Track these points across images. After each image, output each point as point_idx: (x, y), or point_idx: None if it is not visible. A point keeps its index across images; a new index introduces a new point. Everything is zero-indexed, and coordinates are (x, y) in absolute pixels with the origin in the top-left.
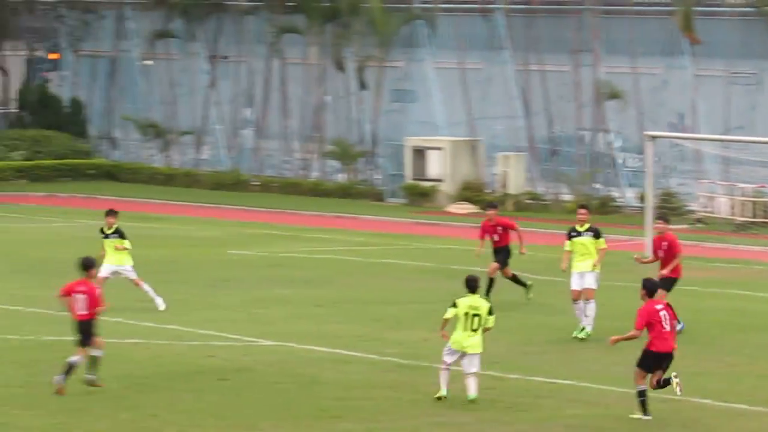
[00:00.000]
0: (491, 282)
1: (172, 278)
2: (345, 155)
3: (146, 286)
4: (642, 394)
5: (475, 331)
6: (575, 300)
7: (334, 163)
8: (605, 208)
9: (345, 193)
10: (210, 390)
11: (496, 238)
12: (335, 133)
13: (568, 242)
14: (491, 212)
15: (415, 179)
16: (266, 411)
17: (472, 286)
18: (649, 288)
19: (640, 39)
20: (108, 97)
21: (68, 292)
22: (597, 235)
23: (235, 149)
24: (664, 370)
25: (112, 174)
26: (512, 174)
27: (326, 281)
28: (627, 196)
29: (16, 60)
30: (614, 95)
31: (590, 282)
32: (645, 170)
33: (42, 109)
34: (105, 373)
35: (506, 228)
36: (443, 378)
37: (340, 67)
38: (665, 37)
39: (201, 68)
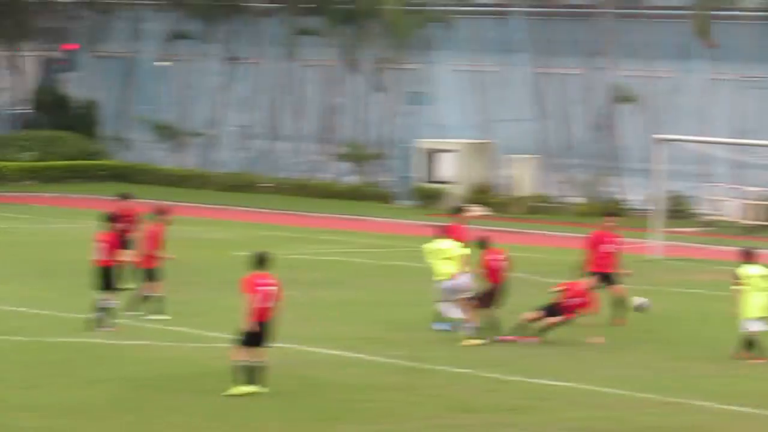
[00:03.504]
0: None
1: (179, 279)
2: (358, 157)
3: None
4: None
5: None
6: None
7: (347, 165)
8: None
9: (357, 194)
10: (215, 392)
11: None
12: (349, 135)
13: None
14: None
15: (426, 181)
16: (269, 413)
17: None
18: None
19: (655, 42)
20: (122, 97)
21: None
22: None
23: (247, 151)
24: None
25: (124, 175)
26: (524, 176)
27: (334, 283)
28: (633, 198)
29: (31, 60)
30: (628, 98)
31: None
32: (654, 173)
33: (56, 110)
34: (110, 375)
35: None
36: None
37: (355, 69)
38: (680, 40)
39: (215, 70)
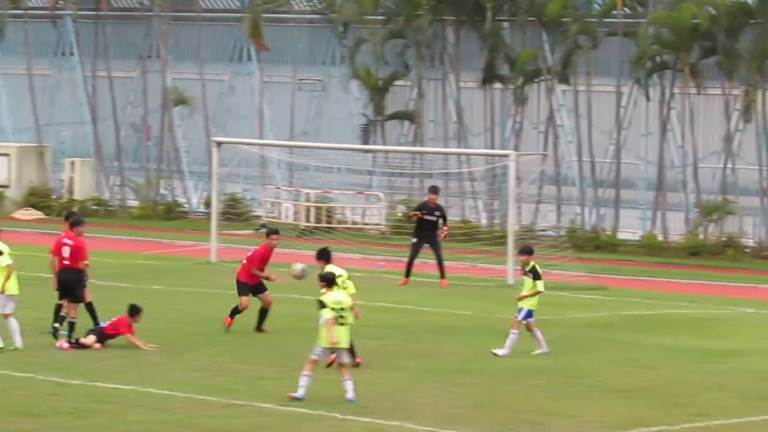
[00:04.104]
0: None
1: None
2: None
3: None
4: None
5: None
6: None
7: None
8: (171, 213)
9: None
10: None
11: None
12: None
13: None
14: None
15: None
16: None
17: None
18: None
19: (208, 45)
20: None
21: None
22: None
23: None
24: None
25: None
26: (79, 180)
27: None
28: (193, 201)
29: None
30: (182, 101)
31: None
32: (211, 175)
33: None
34: None
35: None
36: None
37: None
38: (233, 43)
39: None
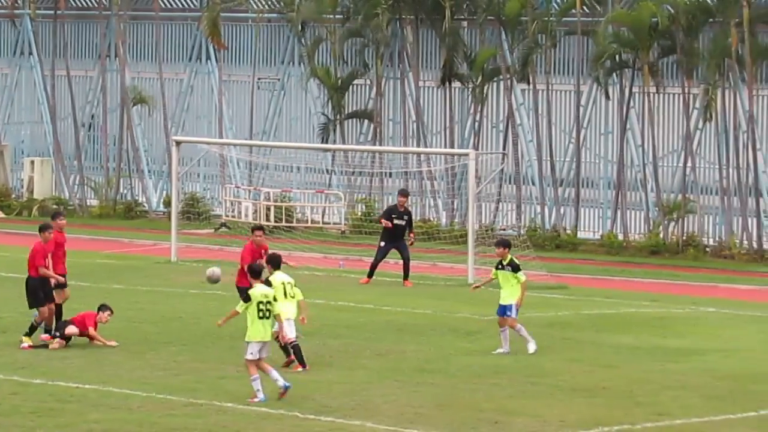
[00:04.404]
0: None
1: None
2: None
3: None
4: None
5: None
6: None
7: None
8: (131, 213)
9: None
10: None
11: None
12: None
13: None
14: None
15: None
16: None
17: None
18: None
19: (167, 44)
20: None
21: None
22: None
23: None
24: None
25: None
26: (38, 179)
27: None
28: (153, 200)
29: None
30: (141, 100)
31: None
32: (171, 175)
33: None
34: None
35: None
36: None
37: None
38: (191, 42)
39: None
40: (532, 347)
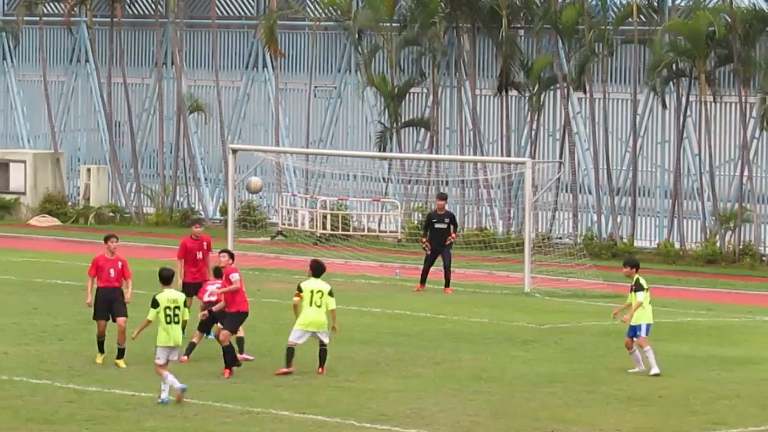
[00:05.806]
0: None
1: None
2: None
3: None
4: None
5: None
6: None
7: None
8: (187, 220)
9: None
10: None
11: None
12: None
13: None
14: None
15: None
16: None
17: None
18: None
19: (223, 52)
20: None
21: None
22: None
23: None
24: None
25: None
26: (94, 187)
27: None
28: (209, 208)
29: None
30: (197, 108)
31: None
32: (227, 183)
33: None
34: None
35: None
36: None
37: None
38: (248, 50)
39: None
40: (654, 371)
